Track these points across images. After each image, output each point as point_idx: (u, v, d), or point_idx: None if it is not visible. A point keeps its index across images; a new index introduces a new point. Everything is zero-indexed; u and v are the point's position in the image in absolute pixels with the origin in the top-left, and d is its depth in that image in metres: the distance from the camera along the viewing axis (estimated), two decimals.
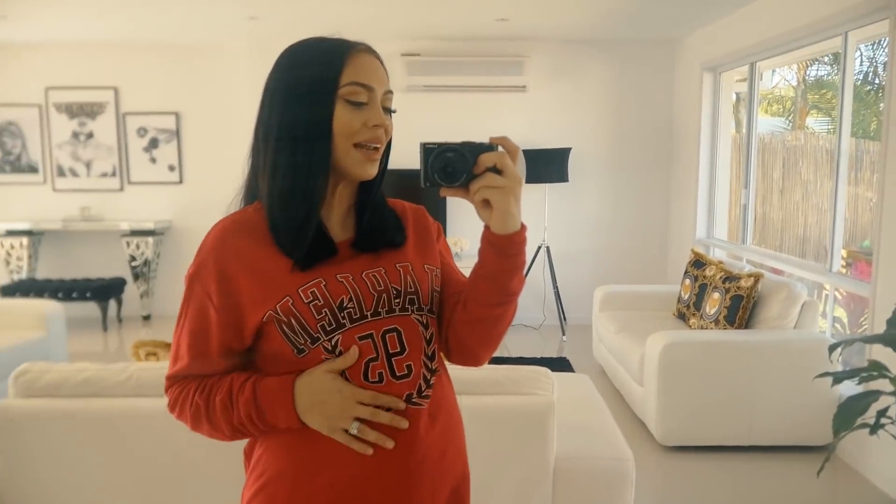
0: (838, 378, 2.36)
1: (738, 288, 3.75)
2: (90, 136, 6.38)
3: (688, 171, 5.84)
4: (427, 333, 1.14)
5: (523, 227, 1.06)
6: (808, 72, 6.89)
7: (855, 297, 4.90)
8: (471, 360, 1.21)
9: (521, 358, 5.14)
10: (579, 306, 6.18)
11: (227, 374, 1.10)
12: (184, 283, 1.11)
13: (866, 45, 4.88)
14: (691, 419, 3.51)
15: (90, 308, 6.22)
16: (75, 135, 6.38)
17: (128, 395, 2.09)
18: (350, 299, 1.07)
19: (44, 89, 6.32)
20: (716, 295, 3.92)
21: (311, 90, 1.06)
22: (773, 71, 6.43)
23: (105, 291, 6.03)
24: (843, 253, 4.02)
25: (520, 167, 1.05)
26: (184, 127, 6.40)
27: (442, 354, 1.20)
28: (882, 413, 2.26)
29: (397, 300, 1.11)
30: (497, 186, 1.02)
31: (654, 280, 6.24)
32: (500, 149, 1.05)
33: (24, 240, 6.21)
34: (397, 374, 1.08)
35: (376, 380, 1.07)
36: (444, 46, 6.05)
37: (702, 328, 3.97)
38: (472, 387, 2.08)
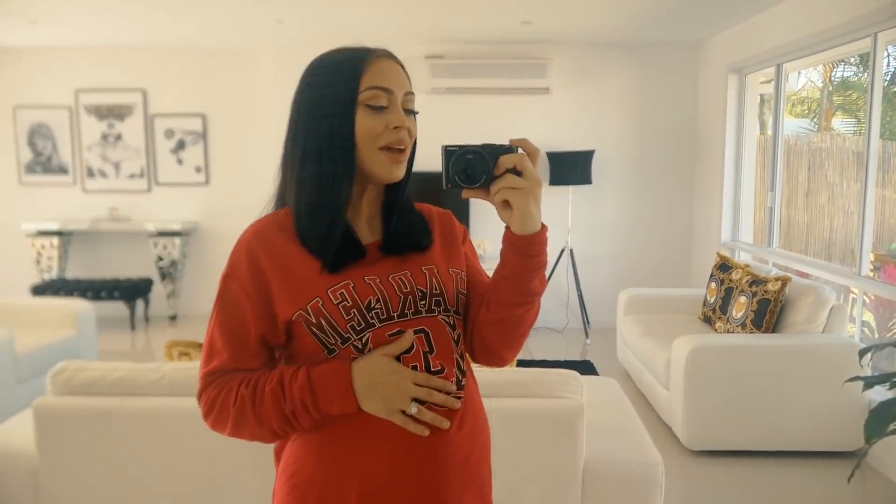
0: (869, 383, 2.34)
1: (766, 292, 3.72)
2: (119, 137, 6.48)
3: (713, 174, 5.80)
4: (454, 334, 1.15)
5: (544, 228, 1.07)
6: (833, 73, 6.82)
7: (883, 301, 4.84)
8: (495, 360, 1.22)
9: (544, 361, 5.13)
10: (603, 309, 6.16)
11: (272, 369, 1.12)
12: (218, 284, 1.13)
13: (895, 46, 4.82)
14: (718, 423, 3.49)
15: (118, 307, 6.32)
16: (104, 136, 6.48)
17: (160, 394, 2.13)
18: (377, 300, 1.09)
19: (74, 92, 6.42)
20: (742, 299, 3.89)
21: (332, 101, 1.09)
22: (799, 72, 6.37)
23: (133, 291, 6.12)
24: (871, 256, 3.97)
25: (540, 169, 1.06)
26: (210, 129, 6.47)
27: (468, 356, 1.22)
28: None
29: (423, 302, 1.12)
30: (516, 188, 1.04)
31: (677, 283, 6.19)
32: (519, 150, 1.06)
33: (55, 240, 6.31)
34: (433, 370, 1.10)
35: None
36: (467, 49, 6.06)
37: (728, 332, 3.94)
38: (500, 389, 2.09)
